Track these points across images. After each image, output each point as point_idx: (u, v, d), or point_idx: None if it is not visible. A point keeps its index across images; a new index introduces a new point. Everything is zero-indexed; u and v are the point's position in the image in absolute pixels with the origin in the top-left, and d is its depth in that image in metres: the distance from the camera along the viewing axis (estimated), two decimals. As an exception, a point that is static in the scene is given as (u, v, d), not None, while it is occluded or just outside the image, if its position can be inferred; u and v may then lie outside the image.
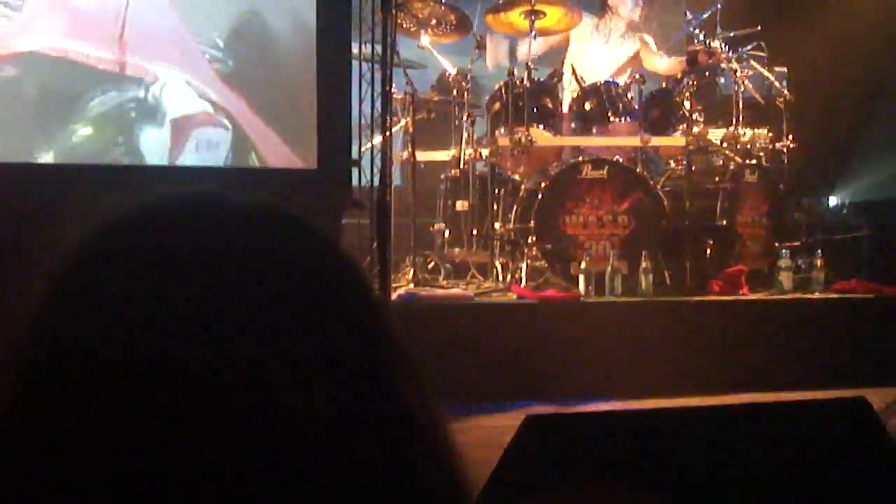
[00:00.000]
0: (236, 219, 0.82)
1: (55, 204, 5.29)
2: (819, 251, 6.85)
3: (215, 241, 0.79)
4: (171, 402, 0.73)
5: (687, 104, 7.00)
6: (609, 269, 6.22)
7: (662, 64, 7.49)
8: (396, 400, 0.79)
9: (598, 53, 7.56)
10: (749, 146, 7.12)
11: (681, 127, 6.99)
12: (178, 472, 0.72)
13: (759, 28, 7.37)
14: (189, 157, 6.43)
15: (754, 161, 7.09)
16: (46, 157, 6.22)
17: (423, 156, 7.08)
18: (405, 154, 6.97)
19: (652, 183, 6.78)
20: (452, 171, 7.05)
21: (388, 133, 5.85)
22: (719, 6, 7.18)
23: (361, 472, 0.75)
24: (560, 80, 7.15)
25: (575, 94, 7.16)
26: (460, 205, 6.86)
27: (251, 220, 0.82)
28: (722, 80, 7.38)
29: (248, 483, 0.73)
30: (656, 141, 7.01)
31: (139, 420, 0.73)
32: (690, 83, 7.04)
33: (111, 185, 5.78)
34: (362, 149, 6.86)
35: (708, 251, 6.72)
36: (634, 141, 6.92)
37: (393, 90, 6.14)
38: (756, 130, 7.19)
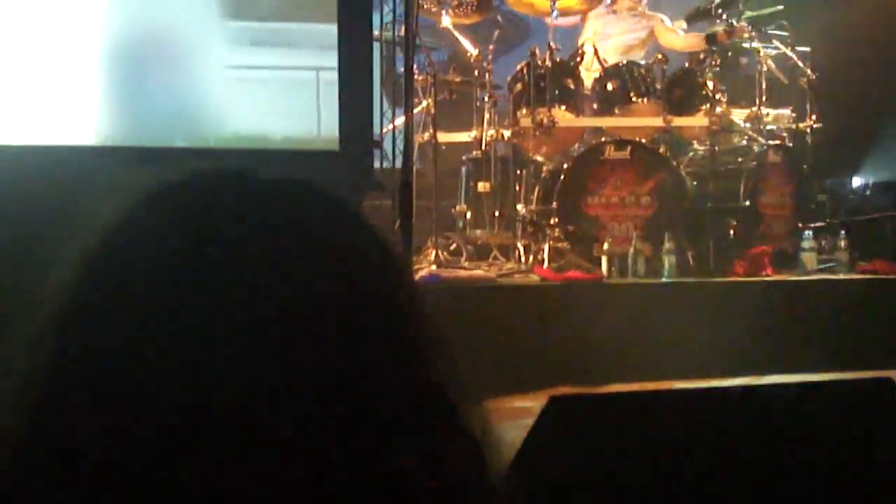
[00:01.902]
0: (266, 195, 0.81)
1: (79, 185, 5.30)
2: (843, 232, 6.80)
3: (245, 218, 0.79)
4: (204, 384, 0.73)
5: (710, 84, 6.96)
6: (632, 250, 6.19)
7: (680, 41, 7.46)
8: (429, 376, 0.79)
9: (613, 33, 7.55)
10: (772, 126, 7.08)
11: (704, 107, 6.95)
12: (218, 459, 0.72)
13: (781, 7, 7.32)
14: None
15: (778, 141, 7.05)
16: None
17: (444, 137, 7.07)
18: (426, 135, 6.96)
19: (675, 164, 6.75)
20: (474, 153, 7.03)
21: (410, 115, 5.84)
22: None
23: (391, 449, 0.75)
24: (582, 60, 7.12)
25: (597, 75, 7.13)
26: (482, 186, 6.84)
27: (281, 196, 0.82)
28: (745, 59, 7.34)
29: (284, 464, 0.73)
30: (679, 121, 6.98)
31: (170, 408, 0.73)
32: (713, 63, 7.00)
33: (136, 165, 5.79)
34: (383, 130, 6.85)
35: (731, 232, 6.69)
36: (657, 121, 6.89)
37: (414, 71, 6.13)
38: (779, 111, 7.15)
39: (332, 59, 6.45)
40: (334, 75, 6.46)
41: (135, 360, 0.73)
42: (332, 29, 6.46)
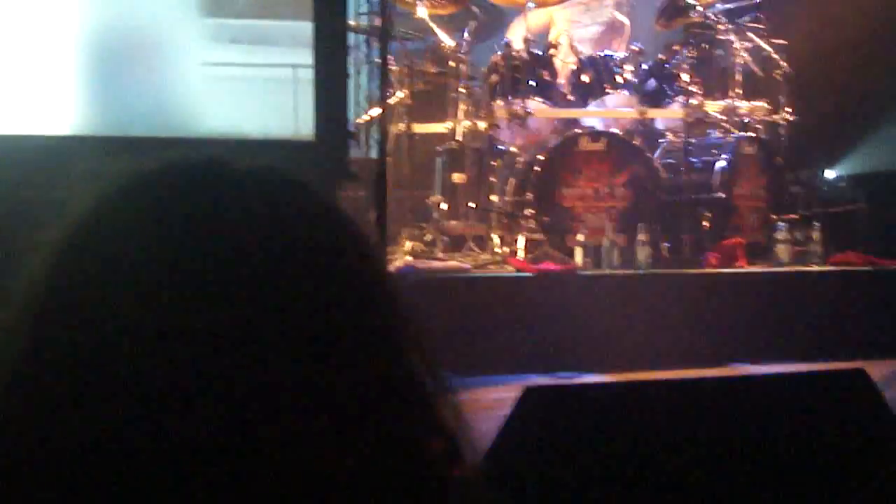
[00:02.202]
0: (239, 184, 0.81)
1: (54, 175, 5.26)
2: (816, 224, 6.83)
3: (219, 207, 0.78)
4: (180, 373, 0.73)
5: (685, 76, 6.97)
6: (606, 241, 6.21)
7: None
8: (404, 368, 0.79)
9: (584, 23, 7.55)
10: (747, 118, 7.10)
11: (678, 99, 6.97)
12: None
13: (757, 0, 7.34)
14: None
15: (752, 133, 7.07)
16: None
17: (419, 128, 7.06)
18: (401, 126, 6.95)
19: (649, 155, 6.76)
20: (449, 144, 7.02)
21: (385, 105, 5.82)
22: None
23: (368, 442, 0.75)
24: (557, 51, 7.12)
25: (573, 67, 7.13)
26: (457, 177, 6.84)
27: (254, 186, 0.81)
28: (719, 51, 7.35)
29: (260, 454, 0.72)
30: (654, 113, 6.99)
31: (145, 398, 0.72)
32: (688, 55, 7.02)
33: (111, 154, 5.74)
34: (358, 121, 6.83)
35: (705, 224, 6.71)
36: (632, 113, 6.91)
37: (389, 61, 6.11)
38: (754, 103, 7.17)
39: (308, 57, 6.43)
40: (311, 73, 6.43)
41: (108, 350, 0.73)
42: (309, 26, 6.43)
